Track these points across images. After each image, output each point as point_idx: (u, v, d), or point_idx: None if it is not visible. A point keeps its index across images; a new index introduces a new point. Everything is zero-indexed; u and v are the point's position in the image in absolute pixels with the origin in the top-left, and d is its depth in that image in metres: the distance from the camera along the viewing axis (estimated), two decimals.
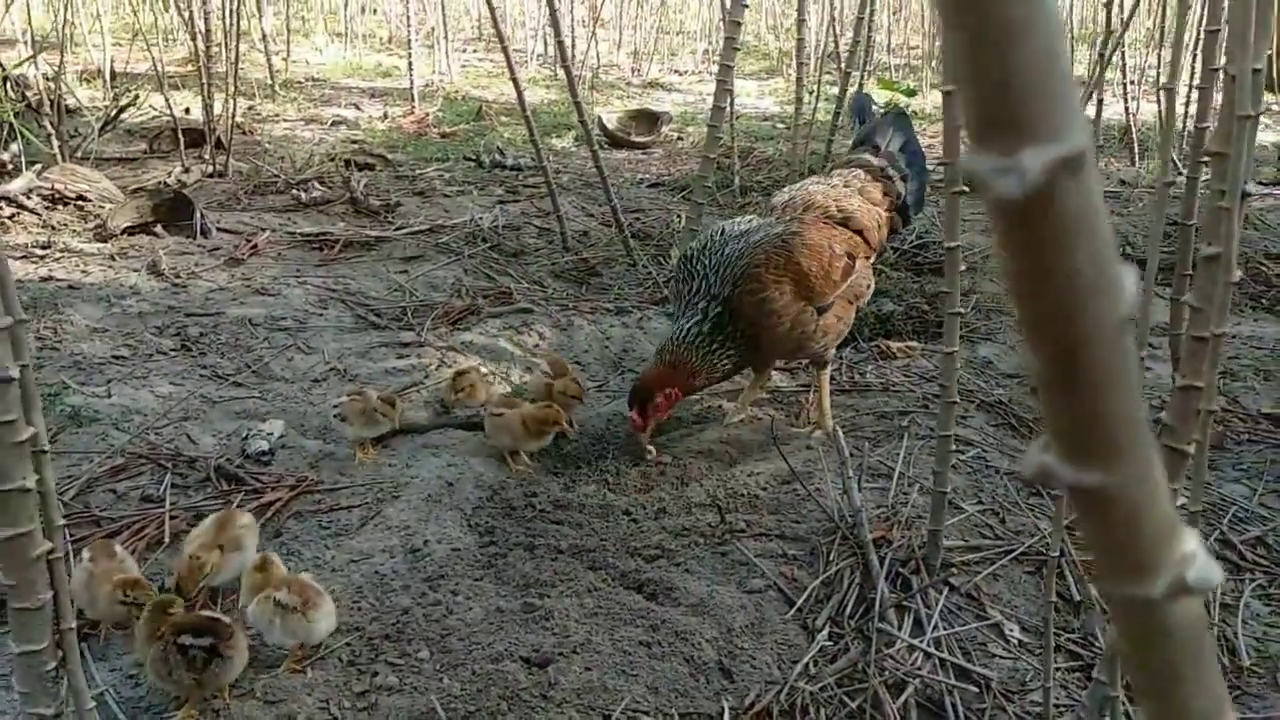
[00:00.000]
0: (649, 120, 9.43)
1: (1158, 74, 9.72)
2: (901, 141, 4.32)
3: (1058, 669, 2.69)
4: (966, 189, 2.83)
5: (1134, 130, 8.65)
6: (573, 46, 9.51)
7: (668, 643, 2.72)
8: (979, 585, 3.05)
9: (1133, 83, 9.15)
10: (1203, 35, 2.35)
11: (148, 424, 3.81)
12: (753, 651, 2.74)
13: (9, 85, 7.48)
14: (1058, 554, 2.50)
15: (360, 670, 2.63)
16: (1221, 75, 1.96)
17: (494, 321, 5.00)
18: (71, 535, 2.99)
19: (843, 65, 8.03)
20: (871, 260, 4.16)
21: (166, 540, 3.13)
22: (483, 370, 4.13)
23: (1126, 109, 8.65)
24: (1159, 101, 9.00)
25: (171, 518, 3.21)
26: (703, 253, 3.82)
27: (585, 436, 4.06)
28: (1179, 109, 8.19)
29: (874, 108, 4.72)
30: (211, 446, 3.71)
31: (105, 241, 5.72)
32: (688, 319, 3.72)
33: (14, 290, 1.88)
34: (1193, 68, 6.41)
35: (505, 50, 6.01)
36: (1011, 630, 2.89)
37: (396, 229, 6.22)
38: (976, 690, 2.66)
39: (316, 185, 6.85)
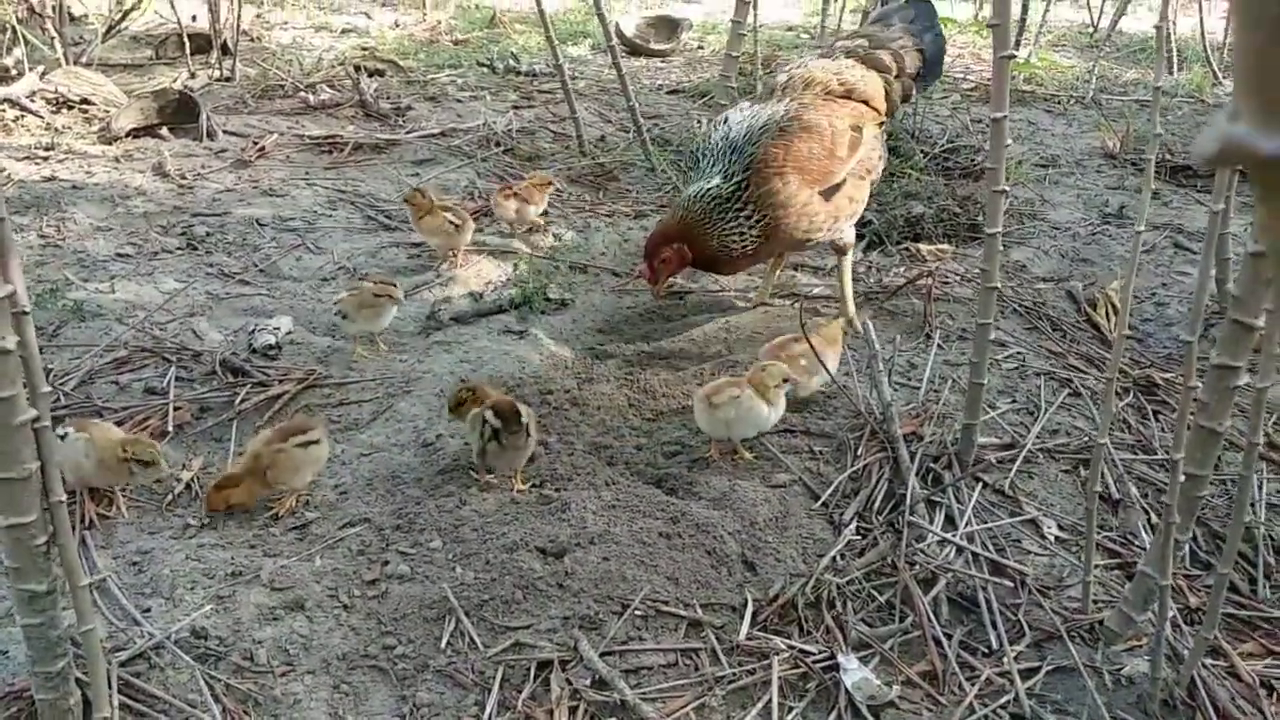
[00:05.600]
0: (668, 27, 9.08)
1: None
2: (924, 25, 4.08)
3: (1096, 566, 2.57)
4: (1011, 55, 2.62)
5: (1173, 41, 8.36)
6: None
7: (688, 535, 2.61)
8: (1014, 482, 2.92)
9: None
10: None
11: (152, 319, 3.69)
12: (777, 545, 2.63)
13: None
14: (1103, 442, 2.36)
15: (370, 559, 2.54)
16: None
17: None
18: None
19: None
20: (884, 126, 3.97)
21: (170, 431, 3.03)
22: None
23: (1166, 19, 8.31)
24: (1199, 12, 8.67)
25: (175, 409, 3.11)
26: (709, 139, 3.71)
27: (604, 334, 3.94)
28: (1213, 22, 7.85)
29: None
30: (217, 341, 3.60)
31: (110, 144, 5.55)
32: (706, 180, 3.59)
33: None
34: None
35: None
36: (1048, 527, 2.76)
37: (407, 132, 6.01)
38: (1011, 585, 2.54)
39: (325, 88, 6.63)
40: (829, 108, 3.66)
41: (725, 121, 3.72)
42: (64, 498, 1.87)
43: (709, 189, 3.54)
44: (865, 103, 3.77)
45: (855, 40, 4.02)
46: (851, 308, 3.91)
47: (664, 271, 3.63)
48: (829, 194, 3.62)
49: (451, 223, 4.18)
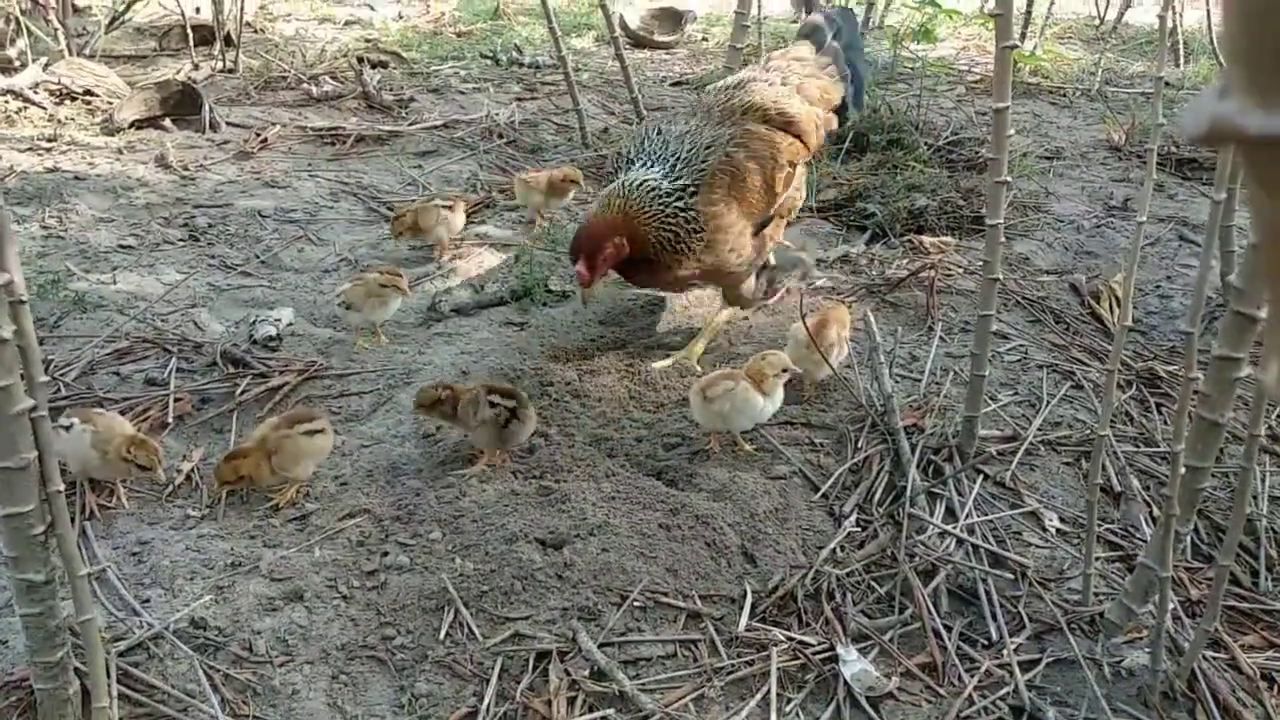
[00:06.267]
0: (672, 19, 9.07)
1: None
2: (847, 39, 3.99)
3: (1097, 558, 2.57)
4: (1017, 43, 2.61)
5: (1179, 33, 8.33)
6: None
7: (688, 526, 2.61)
8: (1015, 474, 2.91)
9: None
10: None
11: (153, 310, 3.69)
12: (776, 536, 2.62)
13: None
14: (1105, 435, 2.35)
15: (370, 550, 2.54)
16: None
17: (510, 214, 4.83)
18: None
19: None
20: (808, 162, 3.83)
21: (170, 422, 3.04)
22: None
23: (1173, 11, 8.27)
24: (1206, 4, 8.61)
25: (176, 400, 3.11)
26: (642, 143, 3.47)
27: (605, 326, 3.93)
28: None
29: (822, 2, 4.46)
30: (218, 332, 3.60)
31: (112, 135, 5.56)
32: (644, 170, 3.33)
33: None
34: None
35: None
36: (1049, 519, 2.76)
37: (410, 124, 6.01)
38: (1011, 578, 2.54)
39: (329, 80, 6.63)
40: (773, 138, 3.47)
41: (659, 133, 3.47)
42: (62, 487, 1.87)
43: (648, 179, 3.30)
44: (799, 138, 3.57)
45: (782, 61, 3.83)
46: (697, 353, 3.61)
47: (603, 268, 3.31)
48: (758, 229, 3.50)
49: (443, 207, 4.19)
